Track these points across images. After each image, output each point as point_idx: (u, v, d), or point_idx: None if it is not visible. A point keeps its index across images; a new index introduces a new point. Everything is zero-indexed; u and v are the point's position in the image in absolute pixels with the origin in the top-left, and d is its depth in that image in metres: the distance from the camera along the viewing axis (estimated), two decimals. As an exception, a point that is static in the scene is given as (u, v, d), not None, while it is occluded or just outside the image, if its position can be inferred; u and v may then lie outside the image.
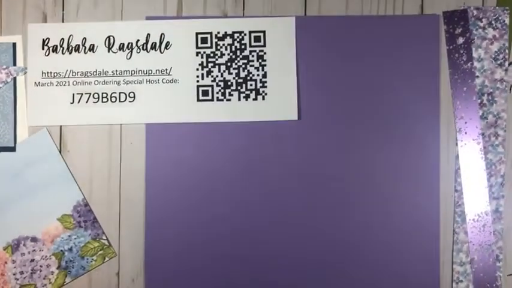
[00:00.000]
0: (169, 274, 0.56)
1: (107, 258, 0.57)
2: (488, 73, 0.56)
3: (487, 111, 0.56)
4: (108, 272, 0.57)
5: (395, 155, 0.56)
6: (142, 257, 0.56)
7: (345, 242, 0.55)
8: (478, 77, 0.56)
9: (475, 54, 0.56)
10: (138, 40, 0.56)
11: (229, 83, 0.56)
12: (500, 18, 0.56)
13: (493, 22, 0.56)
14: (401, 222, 0.55)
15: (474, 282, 0.55)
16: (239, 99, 0.56)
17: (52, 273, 0.56)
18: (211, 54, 0.56)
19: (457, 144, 0.56)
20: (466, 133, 0.56)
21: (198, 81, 0.56)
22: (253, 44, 0.56)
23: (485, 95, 0.56)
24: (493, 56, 0.56)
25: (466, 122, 0.56)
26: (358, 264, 0.55)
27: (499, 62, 0.56)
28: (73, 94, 0.56)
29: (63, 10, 0.57)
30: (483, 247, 0.55)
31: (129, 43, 0.56)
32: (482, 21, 0.56)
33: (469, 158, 0.56)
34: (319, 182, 0.56)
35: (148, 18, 0.57)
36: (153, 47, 0.56)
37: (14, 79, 0.57)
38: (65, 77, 0.56)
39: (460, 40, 0.56)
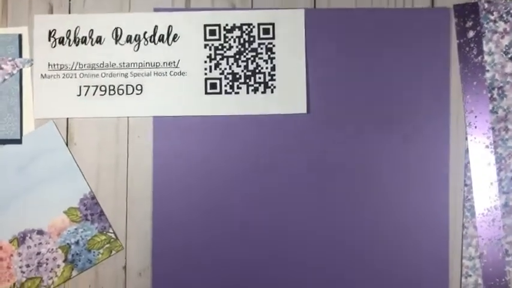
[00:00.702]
0: (177, 268, 0.55)
1: (113, 252, 0.56)
2: (498, 67, 0.56)
3: (497, 105, 0.56)
4: (115, 265, 0.56)
5: (405, 149, 0.55)
6: (149, 250, 0.56)
7: (354, 235, 0.55)
8: (488, 71, 0.56)
9: (485, 48, 0.56)
10: (145, 32, 0.56)
11: (237, 76, 0.56)
12: (511, 11, 0.56)
13: (504, 15, 0.56)
14: (410, 216, 0.55)
15: (483, 277, 0.55)
16: (247, 93, 0.56)
17: (58, 266, 0.56)
18: (220, 47, 0.56)
19: (466, 138, 0.55)
20: (475, 127, 0.55)
21: (206, 73, 0.56)
22: (262, 36, 0.56)
23: (496, 89, 0.56)
24: (504, 50, 0.56)
25: (476, 116, 0.56)
26: (367, 257, 0.55)
27: (509, 56, 0.56)
28: (80, 86, 0.56)
29: (69, 1, 0.56)
30: (492, 242, 0.55)
31: (136, 35, 0.56)
32: (493, 15, 0.56)
33: (478, 152, 0.55)
34: (327, 176, 0.55)
35: (156, 10, 0.56)
36: (161, 39, 0.56)
37: (20, 71, 0.56)
38: (71, 69, 0.56)
39: (471, 34, 0.56)
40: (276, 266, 0.55)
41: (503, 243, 0.55)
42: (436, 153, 0.55)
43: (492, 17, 0.56)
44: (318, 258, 0.55)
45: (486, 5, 0.56)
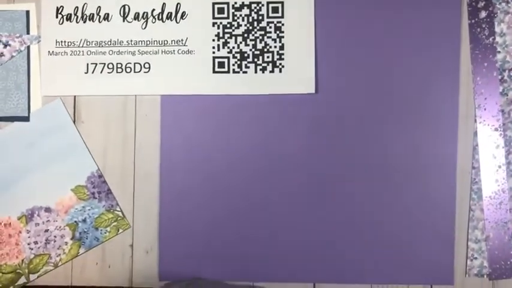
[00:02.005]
0: (184, 246, 0.56)
1: (120, 230, 0.57)
2: (510, 48, 0.55)
3: (507, 87, 0.55)
4: (122, 243, 0.57)
5: (413, 130, 0.55)
6: (156, 229, 0.56)
7: (360, 218, 0.55)
8: (499, 52, 0.55)
9: (497, 29, 0.55)
10: (153, 9, 0.55)
11: (245, 55, 0.55)
12: (524, -8, 0.55)
13: (516, -4, 0.55)
14: (417, 198, 0.55)
15: (489, 260, 0.55)
16: (255, 72, 0.55)
17: (66, 243, 0.57)
18: (228, 25, 0.55)
19: (475, 120, 0.55)
20: (485, 109, 0.55)
21: (214, 52, 0.55)
22: (270, 15, 0.55)
23: (506, 71, 0.55)
24: (516, 31, 0.55)
25: (485, 98, 0.55)
26: (373, 239, 0.55)
27: (521, 37, 0.55)
28: (87, 64, 0.55)
29: (77, -22, 0.56)
30: (499, 225, 0.55)
31: (144, 12, 0.55)
32: (505, -5, 0.55)
33: (487, 134, 0.55)
34: (334, 156, 0.55)
35: (164, -13, 0.56)
36: (169, 16, 0.55)
37: (28, 48, 0.56)
38: (79, 47, 0.55)
39: (483, 14, 0.55)
40: (285, 241, 0.56)
41: (509, 226, 0.55)
42: (445, 135, 0.55)
43: (505, -2, 0.55)
44: (325, 235, 0.55)
45: (499, -15, 0.55)
